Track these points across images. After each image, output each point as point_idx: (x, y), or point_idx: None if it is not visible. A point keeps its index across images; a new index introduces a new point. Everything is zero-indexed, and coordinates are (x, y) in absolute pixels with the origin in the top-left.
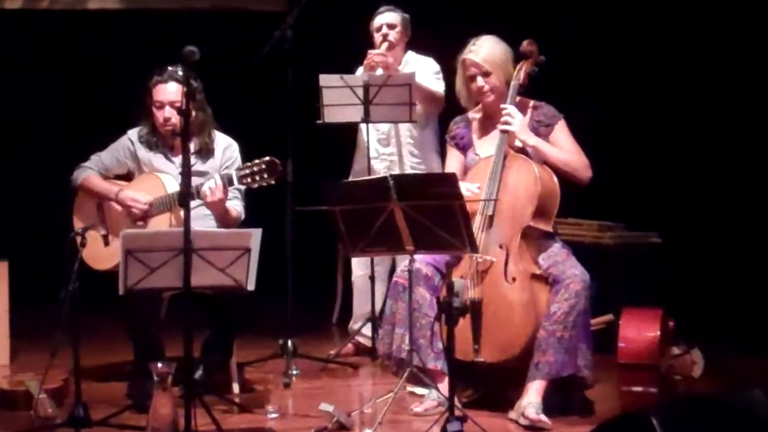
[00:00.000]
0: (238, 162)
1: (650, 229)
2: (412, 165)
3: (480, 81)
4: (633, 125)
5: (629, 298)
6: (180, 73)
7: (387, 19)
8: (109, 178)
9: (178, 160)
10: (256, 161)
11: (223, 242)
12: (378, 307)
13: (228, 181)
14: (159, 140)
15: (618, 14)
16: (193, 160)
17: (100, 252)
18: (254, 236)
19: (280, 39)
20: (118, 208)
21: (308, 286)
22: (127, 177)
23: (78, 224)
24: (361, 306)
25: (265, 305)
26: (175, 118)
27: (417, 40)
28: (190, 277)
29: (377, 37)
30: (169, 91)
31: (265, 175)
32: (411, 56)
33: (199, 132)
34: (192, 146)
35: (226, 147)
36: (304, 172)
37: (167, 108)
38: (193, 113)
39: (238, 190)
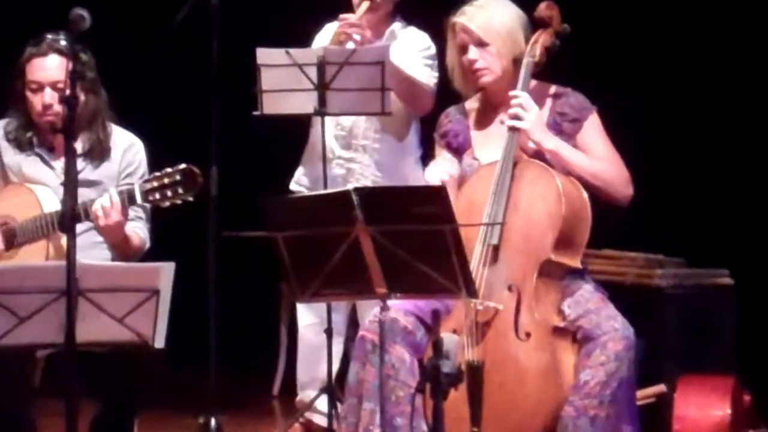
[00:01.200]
0: (143, 169)
1: (718, 266)
2: (374, 180)
3: (472, 52)
4: (693, 123)
5: (689, 361)
6: (64, 43)
7: None
8: None
9: (59, 164)
10: (168, 170)
11: (121, 281)
12: (336, 371)
13: (129, 198)
14: (34, 137)
15: None
16: (80, 164)
17: None
18: (164, 272)
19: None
20: None
21: (240, 343)
22: None
23: None
24: (311, 370)
25: (180, 369)
26: (58, 106)
27: (410, 5)
28: (75, 329)
29: None
30: (49, 67)
31: (180, 190)
32: (400, 28)
33: (90, 125)
34: (79, 145)
35: (126, 147)
36: (234, 183)
37: (47, 91)
38: (82, 98)
39: (143, 208)
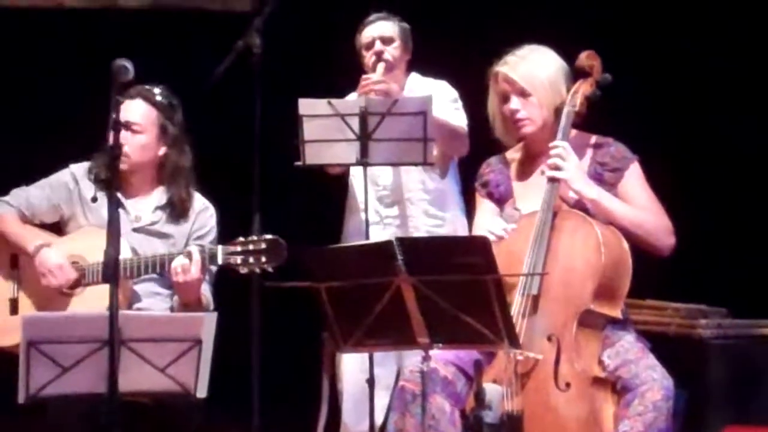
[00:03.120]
0: (214, 233)
1: (761, 316)
2: (429, 230)
3: (514, 102)
4: (735, 173)
5: (733, 412)
6: (158, 93)
7: (380, 30)
8: (33, 224)
9: (137, 213)
10: (253, 238)
11: (164, 331)
12: (378, 422)
13: (210, 258)
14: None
15: (710, 17)
16: (157, 214)
17: (4, 321)
18: (207, 322)
19: (245, 51)
20: None
21: (282, 393)
22: (56, 229)
23: None
24: (354, 421)
25: (222, 419)
26: (130, 148)
27: (422, 58)
28: (117, 379)
29: (368, 57)
30: (129, 110)
31: (263, 258)
32: (415, 80)
33: (171, 179)
34: (157, 197)
35: (201, 210)
36: (277, 233)
37: (122, 132)
38: (163, 149)
39: (209, 270)
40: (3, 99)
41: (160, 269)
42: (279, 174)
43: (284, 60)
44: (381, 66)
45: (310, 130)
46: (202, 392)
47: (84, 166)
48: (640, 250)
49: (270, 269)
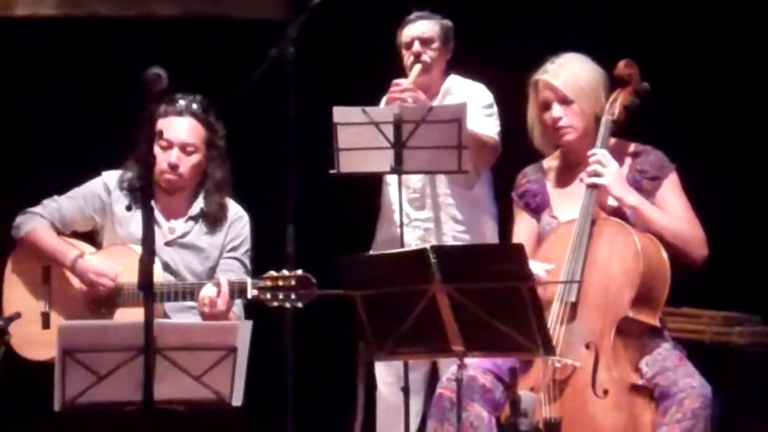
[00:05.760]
0: (248, 244)
1: None
2: (455, 236)
3: (556, 110)
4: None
5: None
6: (202, 106)
7: (419, 30)
8: (65, 234)
9: (167, 225)
10: (285, 273)
11: (199, 339)
12: (414, 429)
13: (239, 291)
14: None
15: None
16: (189, 225)
17: (36, 335)
18: (242, 331)
19: (279, 59)
20: (74, 280)
21: (316, 400)
22: (89, 237)
23: (8, 292)
24: (389, 428)
25: (257, 427)
26: (184, 168)
27: (463, 58)
28: (153, 387)
29: (406, 57)
30: (182, 129)
31: (293, 295)
32: (455, 82)
33: (211, 191)
34: (194, 206)
35: (234, 220)
36: (311, 243)
37: (175, 151)
38: (209, 168)
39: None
40: (36, 108)
41: (189, 298)
42: (313, 182)
43: (318, 68)
44: (417, 68)
45: (344, 138)
46: (237, 400)
47: (116, 174)
48: (674, 259)
49: (299, 306)
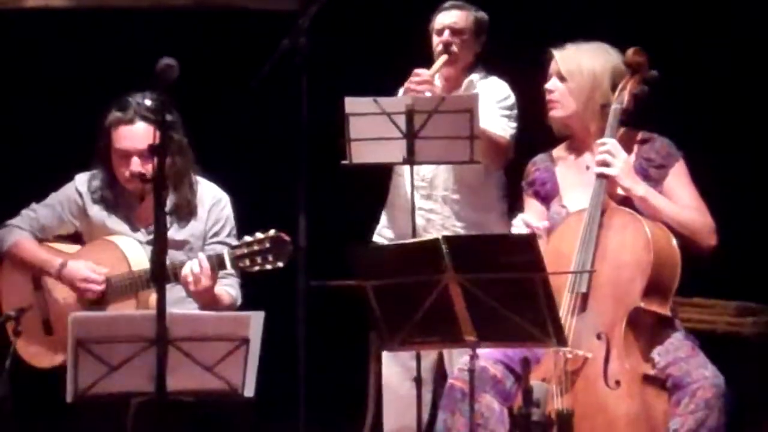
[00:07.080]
0: (231, 225)
1: None
2: (454, 231)
3: (551, 82)
4: None
5: None
6: (148, 104)
7: (451, 19)
8: (47, 240)
9: (143, 230)
10: (258, 236)
11: (212, 330)
12: (425, 420)
13: (218, 264)
14: (117, 198)
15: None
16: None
17: (40, 343)
18: (254, 321)
19: (291, 50)
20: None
21: (329, 390)
22: (74, 237)
23: (6, 305)
24: (398, 419)
25: (269, 418)
26: (151, 174)
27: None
28: (165, 378)
29: (435, 44)
30: (138, 136)
31: (270, 257)
32: (477, 78)
33: (176, 186)
34: (167, 205)
35: (213, 203)
36: (323, 233)
37: (134, 160)
38: (168, 159)
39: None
40: (49, 99)
41: (175, 279)
42: (325, 172)
43: (330, 58)
44: (442, 58)
45: (356, 128)
46: (249, 391)
47: (85, 177)
48: (683, 248)
49: (280, 265)
